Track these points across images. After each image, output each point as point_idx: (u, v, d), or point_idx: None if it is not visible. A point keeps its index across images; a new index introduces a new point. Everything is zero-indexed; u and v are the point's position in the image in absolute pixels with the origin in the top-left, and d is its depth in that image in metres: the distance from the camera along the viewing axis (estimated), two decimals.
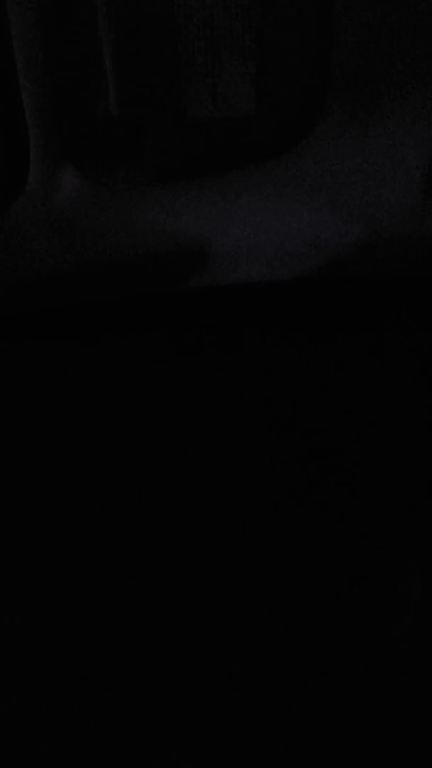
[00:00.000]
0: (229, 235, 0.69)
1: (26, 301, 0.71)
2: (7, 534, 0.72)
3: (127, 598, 0.72)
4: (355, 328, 0.74)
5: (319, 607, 0.71)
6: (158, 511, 0.73)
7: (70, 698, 0.70)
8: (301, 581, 0.72)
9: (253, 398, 0.74)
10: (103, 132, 0.65)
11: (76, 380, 0.73)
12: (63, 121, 0.64)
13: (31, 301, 0.71)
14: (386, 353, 0.74)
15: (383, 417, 0.74)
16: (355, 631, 0.71)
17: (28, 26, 0.61)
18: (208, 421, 0.73)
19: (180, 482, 0.73)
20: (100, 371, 0.73)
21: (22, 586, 0.72)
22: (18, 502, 0.72)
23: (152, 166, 0.66)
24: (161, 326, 0.73)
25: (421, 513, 0.73)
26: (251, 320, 0.74)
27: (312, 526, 0.72)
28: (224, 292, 0.72)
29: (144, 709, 0.70)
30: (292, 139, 0.66)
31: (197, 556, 0.72)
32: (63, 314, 0.72)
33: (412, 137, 0.66)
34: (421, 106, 0.65)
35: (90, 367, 0.73)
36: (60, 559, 0.72)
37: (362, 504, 0.73)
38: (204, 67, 0.62)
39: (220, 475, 0.73)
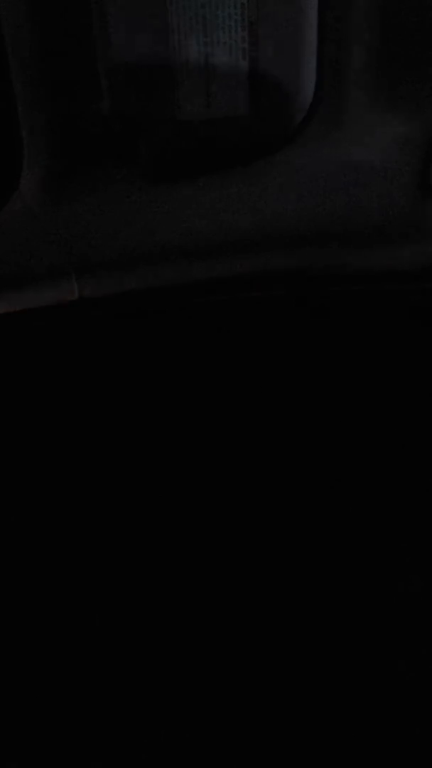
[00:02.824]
0: (227, 232, 0.69)
1: (23, 301, 0.71)
2: (6, 530, 0.72)
3: (126, 594, 0.72)
4: (354, 326, 0.74)
5: (317, 606, 0.71)
6: (157, 510, 0.73)
7: (70, 697, 0.70)
8: (299, 581, 0.72)
9: (252, 396, 0.74)
10: (97, 132, 0.65)
11: (76, 382, 0.73)
12: (56, 121, 0.64)
13: (28, 301, 0.71)
14: (385, 352, 0.74)
15: (384, 416, 0.74)
16: (354, 631, 0.71)
17: (20, 26, 0.61)
18: (207, 419, 0.73)
19: (179, 481, 0.73)
20: (99, 371, 0.73)
21: (22, 579, 0.72)
22: (18, 499, 0.73)
23: (146, 166, 0.66)
24: (161, 324, 0.73)
25: (421, 513, 0.73)
26: (251, 318, 0.74)
27: (311, 526, 0.72)
28: (224, 289, 0.72)
29: (144, 709, 0.70)
30: (285, 138, 0.66)
31: (196, 556, 0.72)
32: (62, 314, 0.72)
33: (407, 135, 0.66)
34: (416, 104, 0.65)
35: (89, 366, 0.73)
36: (59, 556, 0.72)
37: (362, 503, 0.73)
38: (197, 66, 0.62)
39: (219, 473, 0.73)
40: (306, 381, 0.73)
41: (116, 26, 0.61)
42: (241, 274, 0.70)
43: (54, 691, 0.70)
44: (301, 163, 0.67)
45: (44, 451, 0.73)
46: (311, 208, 0.69)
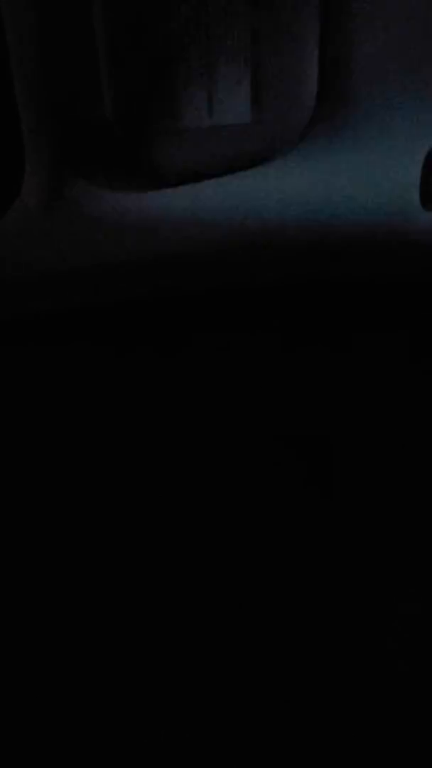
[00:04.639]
0: (229, 237, 0.69)
1: (23, 306, 0.71)
2: (7, 537, 0.72)
3: (126, 600, 0.72)
4: (354, 329, 0.75)
5: (316, 616, 0.71)
6: (158, 514, 0.73)
7: (70, 697, 0.70)
8: (297, 589, 0.72)
9: (252, 401, 0.74)
10: (100, 138, 0.65)
11: (75, 384, 0.73)
12: (59, 127, 0.64)
13: (29, 305, 0.71)
14: (385, 353, 0.74)
15: (384, 420, 0.74)
16: (353, 640, 0.71)
17: (23, 32, 0.61)
18: (208, 423, 0.73)
19: (180, 486, 0.73)
20: (99, 374, 0.73)
21: (21, 587, 0.72)
22: (18, 505, 0.72)
23: (149, 173, 0.66)
24: (161, 329, 0.73)
25: (421, 522, 0.73)
26: (251, 321, 0.74)
27: (311, 534, 0.73)
28: (224, 293, 0.72)
29: (144, 709, 0.70)
30: (287, 146, 0.66)
31: (195, 563, 0.72)
32: (61, 318, 0.72)
33: (409, 138, 0.66)
34: (418, 106, 0.65)
35: (89, 370, 0.73)
36: (60, 560, 0.72)
37: (362, 511, 0.73)
38: (200, 73, 0.63)
39: (219, 478, 0.73)
40: (306, 386, 0.73)
41: (119, 33, 0.61)
42: (243, 280, 0.70)
43: (53, 692, 0.70)
44: (304, 169, 0.67)
45: (38, 462, 0.73)
46: (314, 214, 0.69)
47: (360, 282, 0.71)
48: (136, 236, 0.69)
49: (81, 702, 0.70)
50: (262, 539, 0.72)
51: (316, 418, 0.74)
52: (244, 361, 0.74)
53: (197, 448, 0.73)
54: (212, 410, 0.73)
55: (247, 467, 0.73)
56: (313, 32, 0.62)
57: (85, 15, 0.61)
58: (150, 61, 0.62)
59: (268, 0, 0.60)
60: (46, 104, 0.64)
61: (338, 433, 0.74)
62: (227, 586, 0.72)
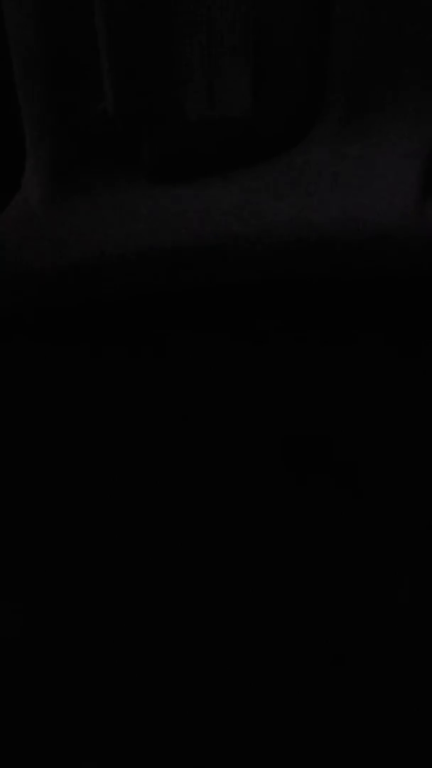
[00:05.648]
0: (228, 235, 0.69)
1: (22, 303, 0.71)
2: (7, 539, 0.72)
3: (126, 599, 0.72)
4: (354, 328, 0.74)
5: (316, 599, 0.71)
6: (157, 513, 0.73)
7: (70, 697, 0.70)
8: (298, 577, 0.72)
9: (251, 401, 0.74)
10: (100, 132, 0.65)
11: (75, 383, 0.73)
12: (59, 121, 0.64)
13: (28, 303, 0.71)
14: (385, 353, 0.74)
15: (382, 420, 0.74)
16: (353, 624, 0.71)
17: (23, 25, 0.61)
18: (207, 422, 0.73)
19: (179, 485, 0.73)
20: (98, 374, 0.73)
21: (21, 585, 0.72)
22: (18, 506, 0.73)
23: (149, 167, 0.66)
24: (160, 327, 0.73)
25: (417, 515, 0.73)
26: (250, 321, 0.74)
27: (309, 524, 0.72)
28: (224, 292, 0.72)
29: (144, 707, 0.70)
30: (289, 140, 0.66)
31: (195, 552, 0.72)
32: (61, 316, 0.72)
33: (410, 136, 0.66)
34: (419, 105, 0.65)
35: (88, 369, 0.73)
36: (60, 562, 0.72)
37: (359, 503, 0.73)
38: (201, 67, 0.62)
39: (219, 476, 0.73)
40: (305, 387, 0.73)
41: (120, 25, 0.61)
42: (243, 277, 0.70)
43: (52, 691, 0.70)
44: (306, 164, 0.67)
45: (37, 462, 0.73)
46: (314, 210, 0.69)
47: (360, 280, 0.71)
48: (137, 232, 0.68)
49: (80, 701, 0.70)
50: (261, 538, 0.72)
51: (316, 418, 0.74)
52: (244, 360, 0.73)
53: (195, 446, 0.73)
54: (211, 409, 0.73)
55: (246, 466, 0.73)
56: (317, 25, 0.62)
57: (86, 9, 0.61)
58: (151, 54, 0.62)
59: None
60: (46, 98, 0.64)
61: (338, 433, 0.74)
62: (226, 581, 0.72)
